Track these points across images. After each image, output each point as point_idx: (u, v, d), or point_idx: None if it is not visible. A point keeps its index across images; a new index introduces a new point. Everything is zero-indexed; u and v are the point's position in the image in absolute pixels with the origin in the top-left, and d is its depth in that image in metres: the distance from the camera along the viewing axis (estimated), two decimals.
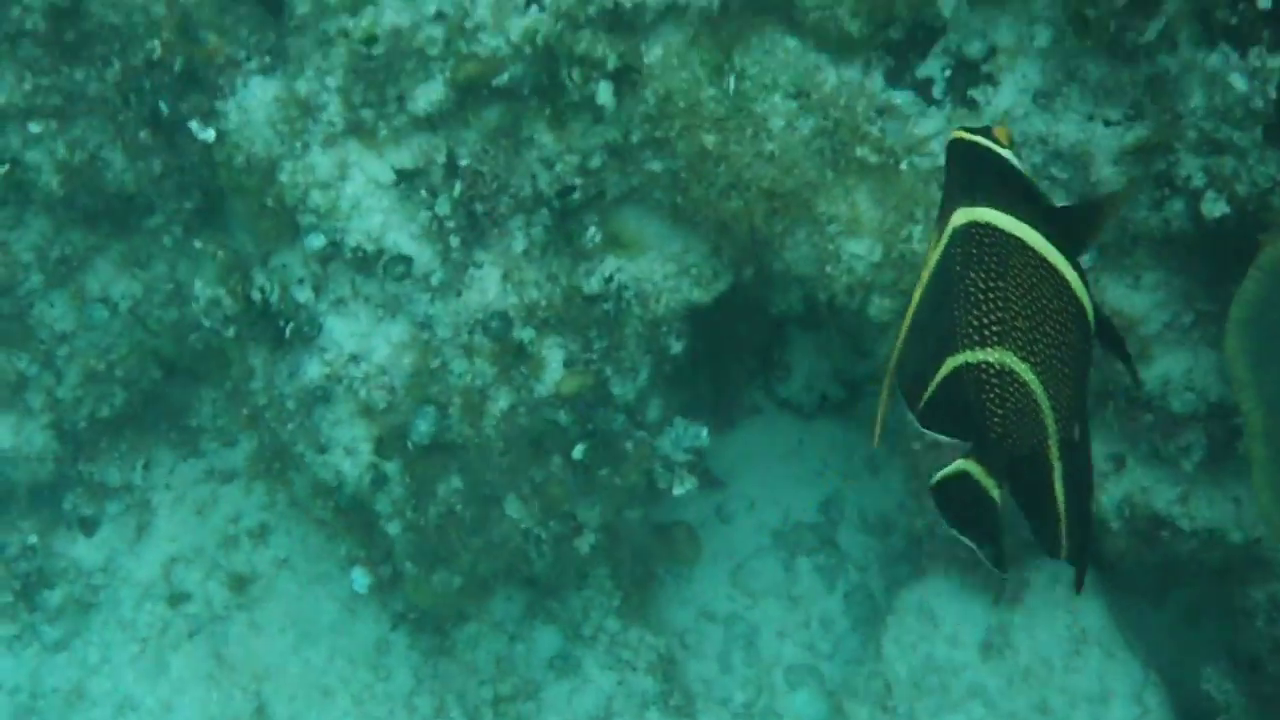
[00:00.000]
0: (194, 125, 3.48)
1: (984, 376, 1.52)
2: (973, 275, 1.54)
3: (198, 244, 3.73)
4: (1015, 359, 1.52)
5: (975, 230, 1.55)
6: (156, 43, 3.55)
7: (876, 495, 4.49)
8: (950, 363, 1.52)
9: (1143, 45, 2.97)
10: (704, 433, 3.71)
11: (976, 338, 1.53)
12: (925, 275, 1.58)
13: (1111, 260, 3.25)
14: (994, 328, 1.52)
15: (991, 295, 1.53)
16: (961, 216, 1.57)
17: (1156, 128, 3.03)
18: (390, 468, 3.50)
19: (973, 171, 1.61)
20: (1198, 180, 2.97)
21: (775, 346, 4.52)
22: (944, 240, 1.57)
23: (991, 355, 1.51)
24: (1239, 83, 2.75)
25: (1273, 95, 2.75)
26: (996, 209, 1.58)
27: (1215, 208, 2.93)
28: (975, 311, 1.53)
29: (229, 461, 4.21)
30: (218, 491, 4.18)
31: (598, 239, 3.50)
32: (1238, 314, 2.56)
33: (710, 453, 4.11)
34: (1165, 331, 3.24)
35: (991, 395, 1.52)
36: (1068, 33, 3.07)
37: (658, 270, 3.55)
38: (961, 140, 1.66)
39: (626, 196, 3.54)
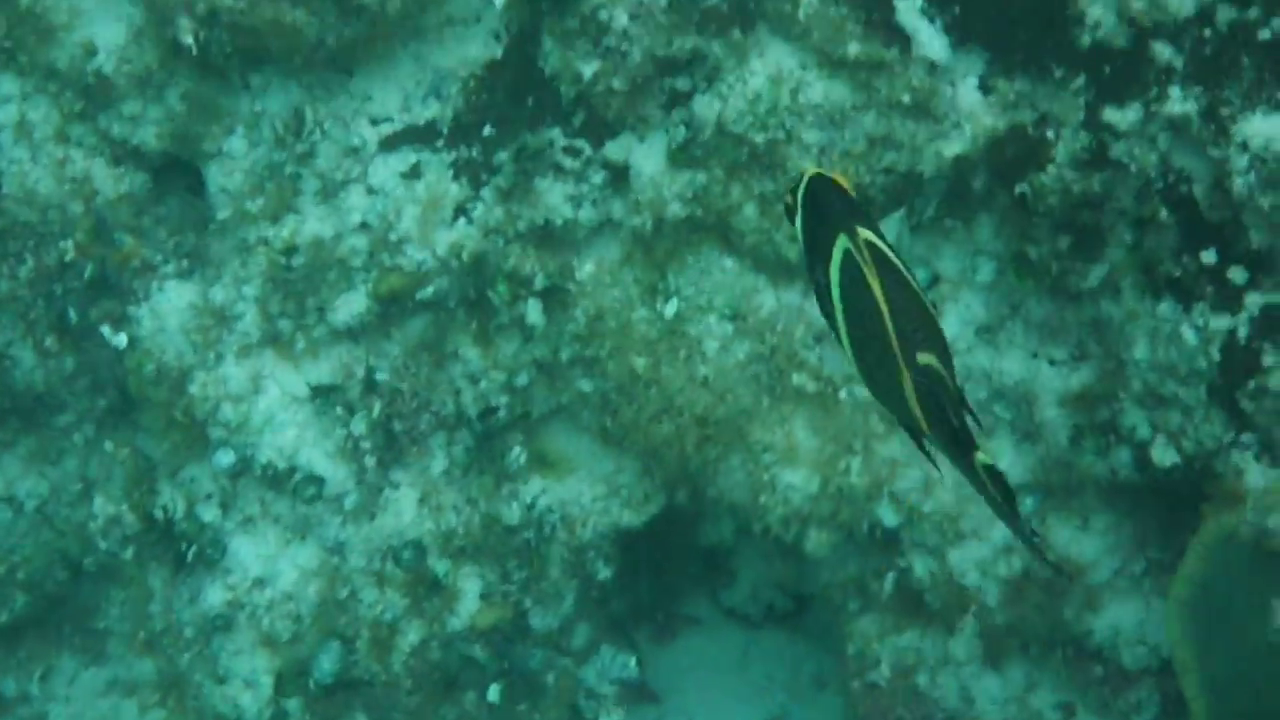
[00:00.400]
0: (106, 330, 3.39)
1: (940, 381, 1.57)
2: (896, 286, 1.60)
3: (109, 445, 3.61)
4: (940, 364, 1.57)
5: (874, 248, 1.60)
6: (70, 243, 3.48)
7: (824, 713, 4.33)
8: (922, 359, 1.57)
9: (1086, 290, 2.91)
10: (633, 662, 3.57)
11: (919, 339, 1.58)
12: (876, 286, 1.58)
13: (1059, 501, 3.15)
14: (920, 334, 1.57)
15: (916, 305, 1.59)
16: (863, 235, 1.61)
17: (1100, 375, 2.96)
18: (291, 705, 3.35)
19: (846, 203, 1.65)
20: (1143, 432, 2.89)
21: (719, 552, 4.40)
22: (867, 255, 1.59)
23: (932, 359, 1.56)
24: (1188, 336, 2.69)
25: (1216, 357, 2.68)
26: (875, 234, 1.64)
27: (1166, 455, 2.84)
28: (916, 320, 1.59)
29: (135, 671, 4.04)
30: (119, 705, 4.00)
31: (522, 459, 3.40)
32: (1179, 592, 2.46)
33: (648, 665, 3.97)
34: (1115, 579, 3.14)
35: (954, 398, 1.57)
36: (1011, 269, 3.02)
37: (585, 492, 3.45)
38: (824, 175, 1.69)
39: (554, 414, 3.45)
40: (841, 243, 1.60)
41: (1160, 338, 2.80)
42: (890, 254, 1.60)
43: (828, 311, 1.67)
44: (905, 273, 1.61)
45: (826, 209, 1.65)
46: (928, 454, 1.68)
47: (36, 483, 3.88)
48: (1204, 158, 2.72)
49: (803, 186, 1.68)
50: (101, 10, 3.49)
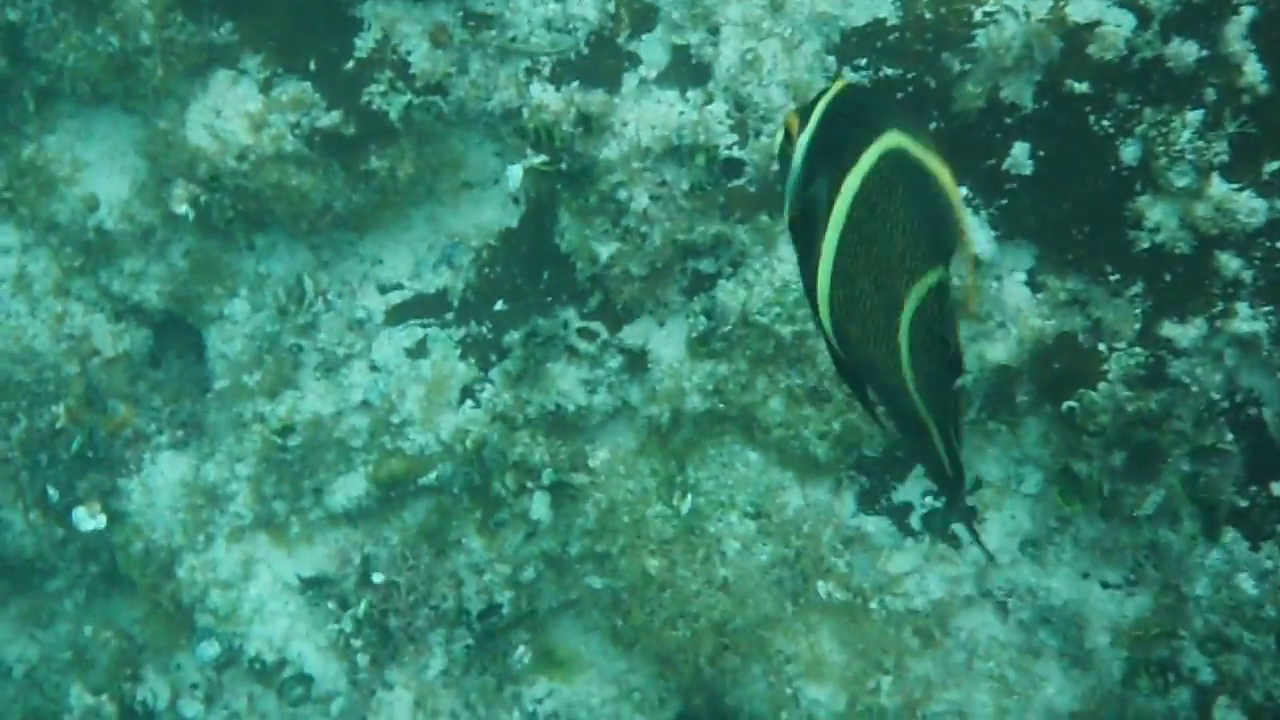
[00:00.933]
0: (79, 514, 3.22)
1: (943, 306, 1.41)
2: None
3: (88, 630, 3.42)
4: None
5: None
6: (62, 409, 3.32)
7: None
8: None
9: (1142, 515, 2.66)
10: None
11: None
12: (944, 173, 1.40)
13: None
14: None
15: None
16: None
17: (1158, 610, 2.69)
18: None
19: (895, 109, 1.47)
20: (1205, 675, 2.62)
21: None
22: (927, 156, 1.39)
23: (943, 274, 1.40)
24: (1248, 586, 2.43)
25: None
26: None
27: (1230, 716, 2.57)
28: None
29: None
30: None
31: (527, 659, 3.17)
32: None
33: None
34: None
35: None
36: (1056, 490, 2.77)
37: (595, 694, 3.21)
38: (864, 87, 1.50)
39: (563, 609, 3.22)
40: (889, 142, 1.39)
41: (1224, 575, 2.53)
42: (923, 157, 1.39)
43: (809, 234, 1.46)
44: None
45: (868, 111, 1.43)
46: (873, 414, 1.52)
47: (26, 647, 3.71)
48: (1275, 380, 2.47)
49: (833, 92, 1.46)
50: (105, 163, 3.36)
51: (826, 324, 1.46)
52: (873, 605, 2.99)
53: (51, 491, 3.29)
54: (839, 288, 1.44)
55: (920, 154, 1.37)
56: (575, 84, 2.95)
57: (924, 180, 1.37)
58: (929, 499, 2.99)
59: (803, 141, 1.47)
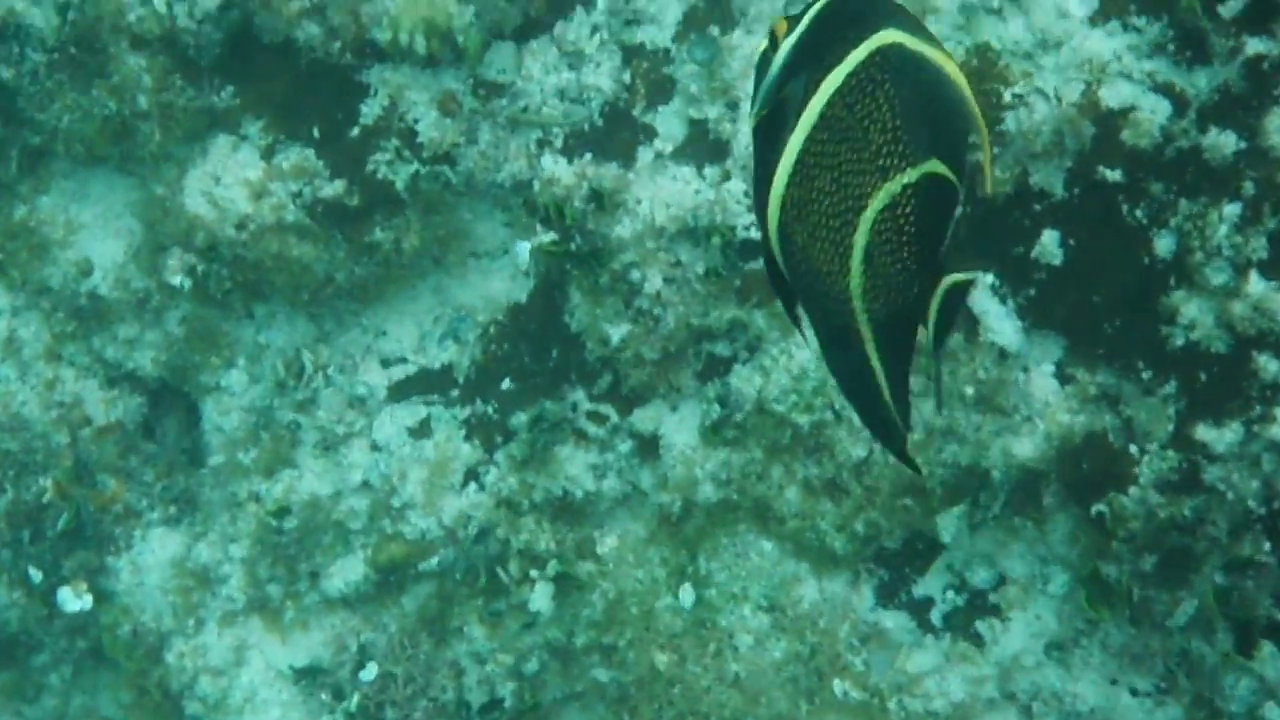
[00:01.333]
0: (64, 594, 3.20)
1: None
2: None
3: (74, 711, 3.40)
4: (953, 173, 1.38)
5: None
6: (50, 483, 3.30)
7: None
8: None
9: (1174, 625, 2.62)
10: None
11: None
12: (950, 64, 1.40)
13: None
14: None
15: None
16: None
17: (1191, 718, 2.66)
18: None
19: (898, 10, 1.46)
20: None
21: None
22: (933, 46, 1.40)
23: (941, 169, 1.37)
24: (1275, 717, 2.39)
25: None
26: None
27: None
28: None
29: None
30: None
31: None
32: None
33: None
34: None
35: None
36: (1084, 594, 2.73)
37: None
38: None
39: (568, 701, 3.19)
40: (883, 39, 1.38)
41: (1261, 692, 2.50)
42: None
43: (773, 136, 1.43)
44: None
45: (865, 13, 1.41)
46: (798, 325, 1.48)
47: None
48: None
49: None
50: (100, 225, 3.35)
51: (773, 226, 1.44)
52: (891, 706, 2.95)
53: (34, 572, 3.27)
54: (795, 188, 1.41)
55: (918, 48, 1.36)
56: (588, 156, 2.94)
57: (921, 74, 1.36)
58: (950, 594, 2.96)
59: (788, 42, 1.46)
